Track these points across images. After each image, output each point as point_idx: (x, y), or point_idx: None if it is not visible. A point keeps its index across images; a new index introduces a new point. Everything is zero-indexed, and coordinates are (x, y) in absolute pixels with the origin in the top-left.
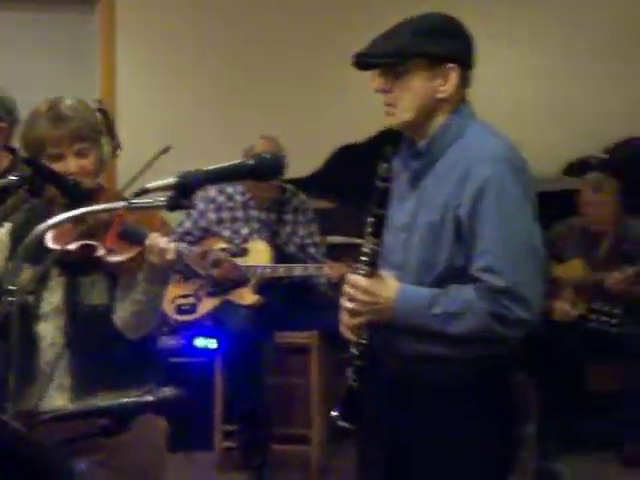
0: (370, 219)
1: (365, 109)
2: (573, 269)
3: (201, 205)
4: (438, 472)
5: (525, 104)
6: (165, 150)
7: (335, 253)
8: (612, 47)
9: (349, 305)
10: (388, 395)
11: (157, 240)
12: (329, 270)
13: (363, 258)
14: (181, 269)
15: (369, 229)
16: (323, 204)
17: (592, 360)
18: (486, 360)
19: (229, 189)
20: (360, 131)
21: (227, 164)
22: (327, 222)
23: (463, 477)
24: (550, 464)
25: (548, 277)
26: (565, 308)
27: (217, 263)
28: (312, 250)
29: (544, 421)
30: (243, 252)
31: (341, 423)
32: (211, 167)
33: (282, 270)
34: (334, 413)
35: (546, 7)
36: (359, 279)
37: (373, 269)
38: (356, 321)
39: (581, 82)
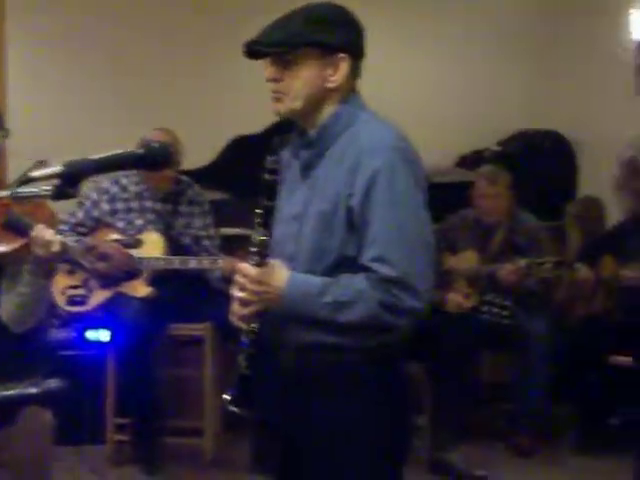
0: (259, 211)
1: (260, 100)
2: (466, 260)
3: (94, 195)
4: (332, 462)
5: (421, 101)
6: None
7: (230, 245)
8: (503, 48)
9: (239, 294)
10: (280, 385)
11: (43, 232)
12: (223, 264)
13: (253, 249)
14: (68, 261)
15: (258, 220)
16: (218, 196)
17: (486, 351)
18: (377, 350)
19: (124, 180)
20: (255, 122)
21: (114, 153)
22: (222, 214)
23: (356, 467)
24: (443, 454)
25: (441, 268)
26: (458, 299)
27: (104, 257)
28: (206, 243)
29: (437, 411)
30: (137, 243)
31: (232, 408)
32: (97, 156)
33: (176, 262)
34: (226, 397)
35: (440, 11)
36: (249, 268)
37: (263, 259)
38: (246, 310)
39: (474, 80)
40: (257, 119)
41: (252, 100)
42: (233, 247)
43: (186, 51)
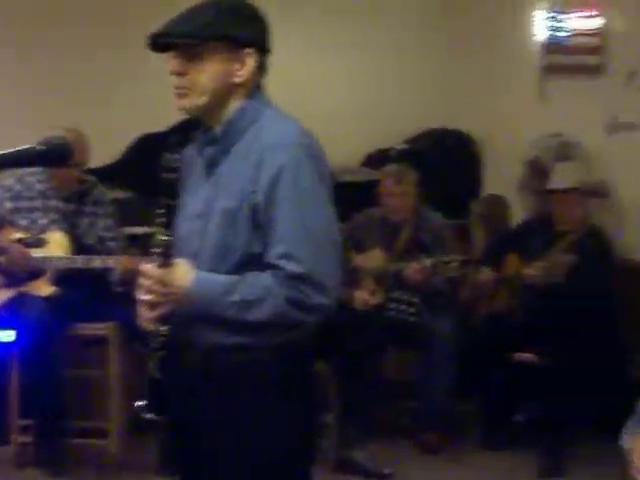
0: (160, 210)
1: (167, 97)
2: (373, 259)
3: None
4: (241, 463)
5: (328, 99)
6: None
7: (136, 244)
8: (410, 47)
9: (145, 297)
10: (188, 387)
11: None
12: (115, 263)
13: (156, 249)
14: None
15: (160, 220)
16: (124, 194)
17: (392, 349)
18: (285, 348)
19: (29, 178)
20: (163, 120)
21: (13, 149)
22: (128, 212)
23: (265, 467)
24: (350, 452)
25: (348, 266)
26: (364, 296)
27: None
28: (111, 244)
29: (344, 409)
30: (40, 242)
31: (146, 415)
32: None
33: (80, 262)
34: (139, 404)
35: (347, 10)
36: (152, 270)
37: (166, 259)
38: (154, 313)
39: (381, 79)
40: (165, 117)
41: (160, 97)
42: (140, 246)
43: (92, 49)
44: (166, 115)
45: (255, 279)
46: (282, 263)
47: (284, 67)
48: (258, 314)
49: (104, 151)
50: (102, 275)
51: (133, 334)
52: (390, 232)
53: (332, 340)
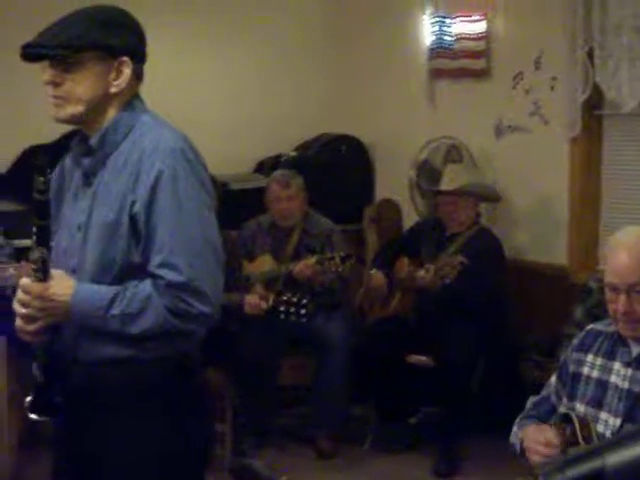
0: (34, 229)
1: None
2: (263, 265)
3: None
4: (129, 477)
5: (220, 107)
6: None
7: (23, 257)
8: (302, 53)
9: (23, 311)
10: (73, 402)
11: None
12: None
13: (32, 266)
14: None
15: (34, 238)
16: (11, 207)
17: (286, 354)
18: (171, 358)
19: None
20: (49, 132)
21: None
22: (15, 225)
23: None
24: (246, 460)
25: (240, 274)
26: (254, 301)
27: None
28: None
29: (238, 417)
30: None
31: (32, 415)
32: None
33: None
34: (26, 401)
35: (238, 17)
36: (31, 285)
37: (45, 275)
38: (32, 327)
39: (273, 86)
40: (51, 129)
41: (45, 109)
42: (26, 258)
43: None
44: (53, 127)
45: (135, 290)
46: (162, 272)
47: (172, 74)
48: (139, 326)
49: None
50: None
51: (22, 347)
52: (279, 238)
53: (225, 347)
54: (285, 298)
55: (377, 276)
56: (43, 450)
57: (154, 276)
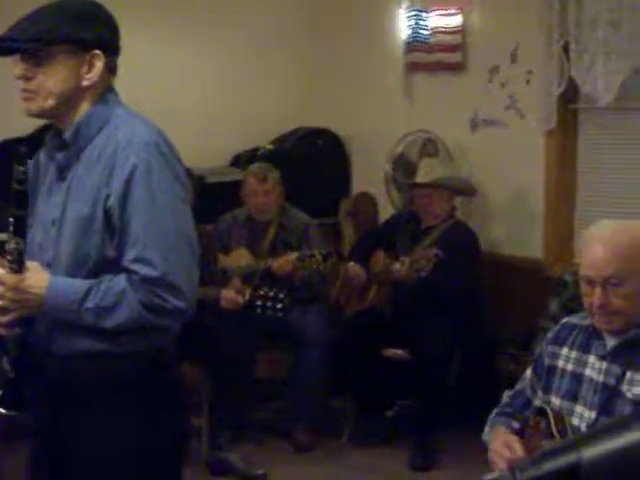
0: (10, 219)
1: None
2: (239, 259)
3: None
4: (106, 471)
5: (196, 100)
6: None
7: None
8: (278, 46)
9: None
10: (48, 395)
11: None
12: None
13: (8, 257)
14: None
15: (11, 229)
16: None
17: (264, 347)
18: (146, 353)
19: None
20: (21, 126)
21: None
22: None
23: (131, 474)
24: (222, 454)
25: (216, 267)
26: (231, 295)
27: None
28: None
29: (214, 411)
30: None
31: (1, 410)
32: None
33: None
34: None
35: (213, 8)
36: (5, 276)
37: (20, 266)
38: (5, 318)
39: (250, 79)
40: (25, 122)
41: (19, 102)
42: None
43: None
44: (27, 121)
45: (109, 284)
46: (136, 267)
47: (149, 68)
48: (113, 320)
49: None
50: None
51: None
52: (256, 232)
53: (201, 341)
54: (262, 292)
55: (354, 267)
56: (21, 444)
57: (128, 271)
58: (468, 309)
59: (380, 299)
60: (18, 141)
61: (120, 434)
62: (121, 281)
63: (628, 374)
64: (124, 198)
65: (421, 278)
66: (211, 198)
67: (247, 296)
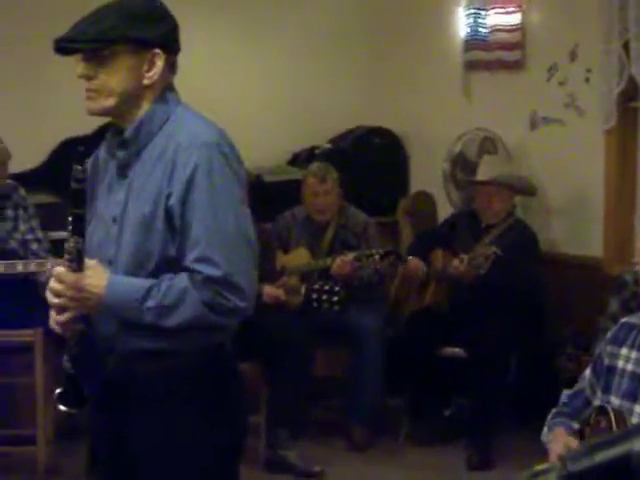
0: (70, 218)
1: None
2: (298, 258)
3: None
4: (167, 468)
5: (255, 99)
6: None
7: (60, 248)
8: (336, 46)
9: (55, 301)
10: (108, 393)
11: None
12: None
13: (67, 256)
14: None
15: (70, 227)
16: (47, 199)
17: (320, 345)
18: (205, 351)
19: None
20: (85, 124)
21: None
22: (51, 217)
23: (191, 470)
24: (280, 452)
25: (273, 266)
26: (272, 291)
27: None
28: (34, 246)
29: (272, 409)
30: None
31: (62, 407)
32: None
33: (2, 267)
34: (56, 392)
35: (274, 8)
36: (65, 274)
37: (79, 264)
38: (64, 317)
39: (307, 78)
40: (87, 121)
41: (79, 102)
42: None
43: (7, 52)
44: (89, 119)
45: (171, 283)
46: (199, 267)
47: (208, 67)
48: (175, 319)
49: (27, 156)
50: (26, 280)
51: (59, 340)
52: (315, 231)
53: (259, 339)
54: (317, 287)
55: (414, 261)
56: (79, 443)
57: (191, 270)
58: (528, 308)
59: (439, 297)
60: (79, 140)
61: (180, 431)
62: (183, 280)
63: None
64: (185, 198)
65: (480, 276)
66: (269, 197)
67: (303, 291)
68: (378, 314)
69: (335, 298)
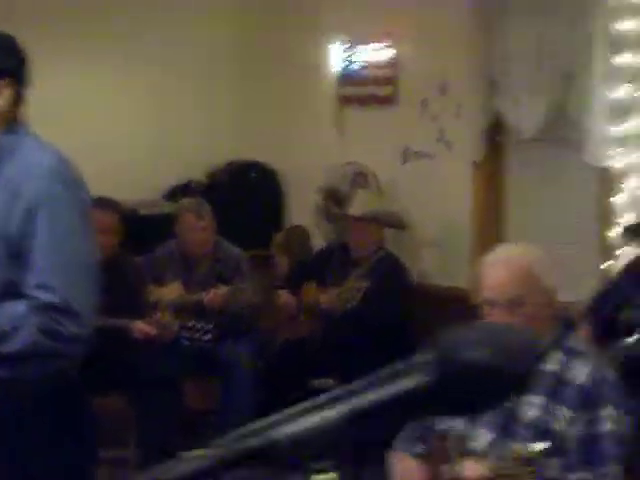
0: None
1: None
2: (172, 291)
3: None
4: None
5: (130, 133)
6: None
7: None
8: (211, 79)
9: None
10: None
11: None
12: None
13: None
14: None
15: None
16: None
17: (193, 377)
18: (48, 379)
19: None
20: None
21: None
22: None
23: None
24: None
25: (147, 300)
26: (141, 327)
27: None
28: None
29: (142, 443)
30: None
31: None
32: None
33: None
34: None
35: (141, 45)
36: None
37: None
38: None
39: (183, 112)
40: None
41: None
42: None
43: None
44: None
45: (8, 310)
46: (37, 293)
47: (78, 99)
48: (11, 346)
49: None
50: None
51: None
52: (189, 265)
53: (127, 375)
54: (190, 325)
55: (284, 296)
56: None
57: (29, 296)
58: (396, 338)
59: (312, 329)
60: None
61: (23, 457)
62: (20, 306)
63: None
64: (25, 225)
65: (349, 309)
66: (144, 230)
67: (175, 329)
68: (250, 345)
69: (207, 336)
